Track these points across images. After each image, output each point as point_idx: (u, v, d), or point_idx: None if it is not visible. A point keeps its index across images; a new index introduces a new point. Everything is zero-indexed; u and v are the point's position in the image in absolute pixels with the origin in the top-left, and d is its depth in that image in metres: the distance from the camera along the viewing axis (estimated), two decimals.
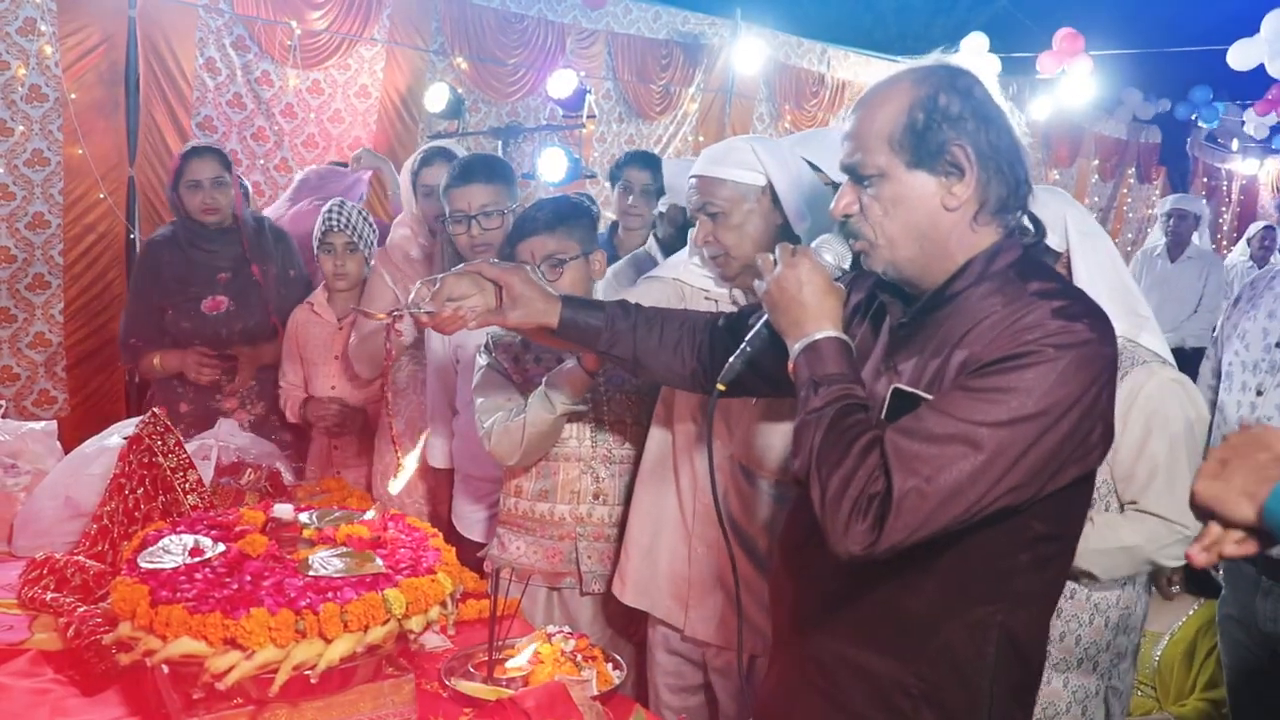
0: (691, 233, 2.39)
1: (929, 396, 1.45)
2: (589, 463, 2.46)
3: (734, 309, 2.10)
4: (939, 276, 1.53)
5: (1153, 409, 2.06)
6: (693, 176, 2.28)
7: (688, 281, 2.41)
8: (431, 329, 1.84)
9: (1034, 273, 1.50)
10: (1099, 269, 2.14)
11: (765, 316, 1.62)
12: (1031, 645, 1.58)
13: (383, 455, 3.32)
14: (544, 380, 2.34)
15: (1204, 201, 8.09)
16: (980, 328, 1.45)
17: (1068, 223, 2.15)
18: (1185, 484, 2.01)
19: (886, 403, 1.52)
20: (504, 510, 2.54)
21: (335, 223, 3.41)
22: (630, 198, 4.36)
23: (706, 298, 2.36)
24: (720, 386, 1.66)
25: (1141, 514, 2.06)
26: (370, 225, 3.48)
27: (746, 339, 1.66)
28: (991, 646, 1.51)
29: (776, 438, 2.19)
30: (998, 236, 1.52)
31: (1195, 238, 6.86)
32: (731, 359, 1.66)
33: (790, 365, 1.54)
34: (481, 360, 2.47)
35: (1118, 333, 2.12)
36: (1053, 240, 2.13)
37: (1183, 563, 2.08)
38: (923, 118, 1.46)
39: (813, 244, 1.62)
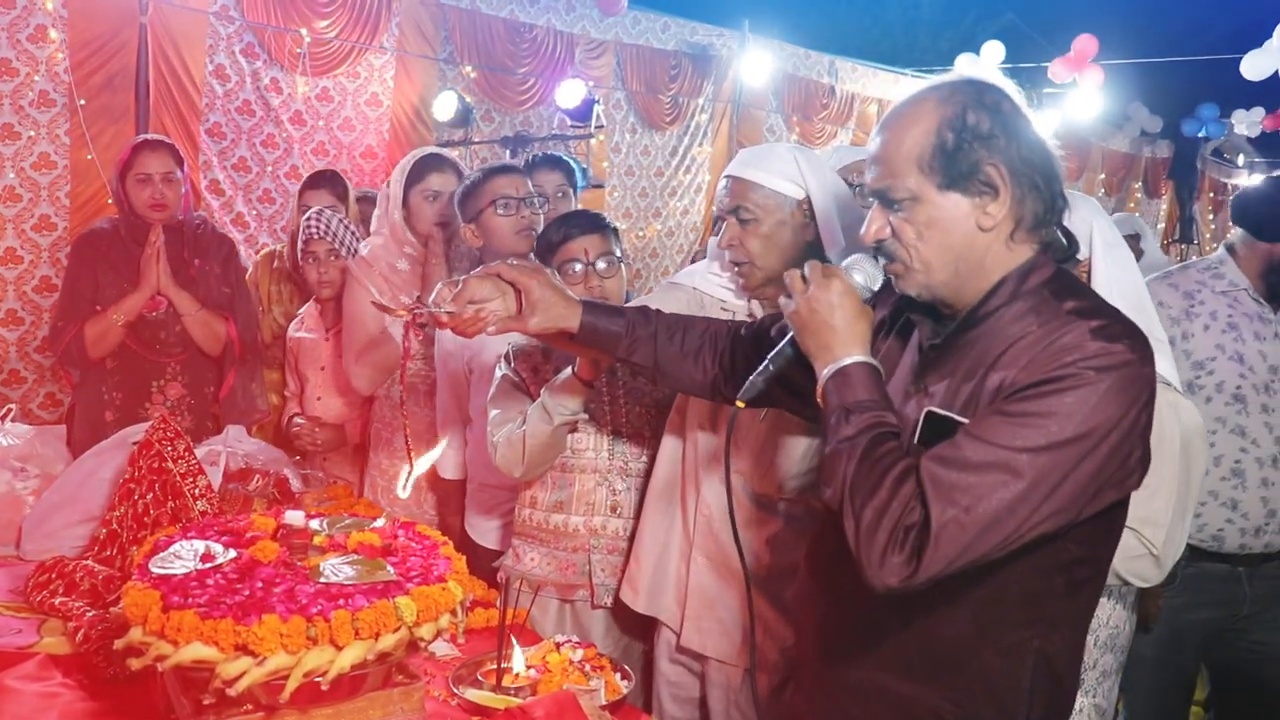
0: (712, 240, 2.35)
1: (964, 420, 1.42)
2: (605, 474, 2.44)
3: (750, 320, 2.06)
4: (973, 296, 1.49)
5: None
6: (726, 176, 2.21)
7: (705, 291, 2.37)
8: (451, 330, 1.85)
9: (1069, 291, 1.46)
10: (1118, 284, 2.12)
11: (790, 335, 1.57)
12: (1067, 668, 1.54)
13: (381, 465, 3.21)
14: (542, 391, 2.31)
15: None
16: (1015, 349, 1.41)
17: (1094, 232, 2.13)
18: (1165, 503, 2.02)
19: (919, 426, 1.48)
20: (519, 521, 2.52)
21: (316, 230, 3.36)
22: None
23: (723, 309, 2.32)
24: (740, 403, 1.59)
25: None
26: (352, 233, 3.41)
27: (769, 356, 1.59)
28: (1027, 671, 1.48)
29: (781, 457, 2.16)
30: (1032, 253, 1.48)
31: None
32: (753, 376, 1.59)
33: (818, 390, 1.49)
34: (500, 371, 2.45)
35: None
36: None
37: (1146, 584, 2.08)
38: (953, 138, 1.42)
39: (844, 263, 1.57)
